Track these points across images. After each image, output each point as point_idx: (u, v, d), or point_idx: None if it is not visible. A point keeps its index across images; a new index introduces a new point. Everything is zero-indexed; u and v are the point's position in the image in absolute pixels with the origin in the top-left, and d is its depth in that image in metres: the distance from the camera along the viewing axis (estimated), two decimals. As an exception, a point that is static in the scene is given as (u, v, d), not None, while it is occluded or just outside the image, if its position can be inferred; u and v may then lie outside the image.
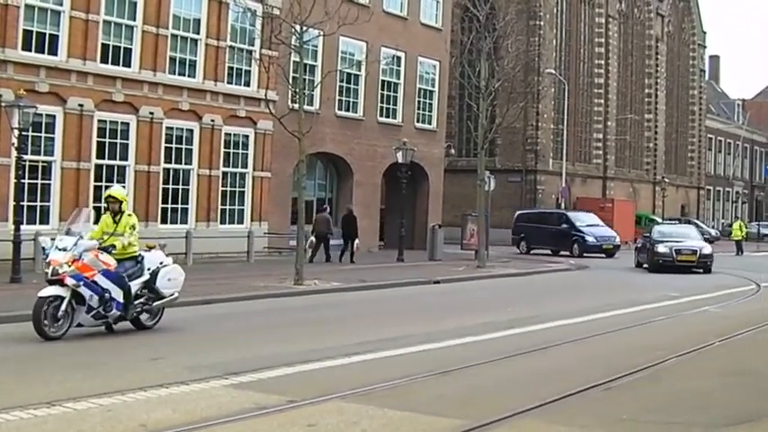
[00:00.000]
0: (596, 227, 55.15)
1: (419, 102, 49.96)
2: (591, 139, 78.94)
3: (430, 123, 50.80)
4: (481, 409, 11.16)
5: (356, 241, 39.11)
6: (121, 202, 17.94)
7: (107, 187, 32.46)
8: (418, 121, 49.85)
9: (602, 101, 79.01)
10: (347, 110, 45.07)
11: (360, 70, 44.11)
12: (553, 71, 68.64)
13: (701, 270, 39.18)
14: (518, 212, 59.28)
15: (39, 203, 31.54)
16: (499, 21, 48.96)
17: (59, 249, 16.35)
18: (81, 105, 32.32)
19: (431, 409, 11.10)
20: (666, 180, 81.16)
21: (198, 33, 36.60)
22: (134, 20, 34.17)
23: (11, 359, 14.71)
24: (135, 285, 17.33)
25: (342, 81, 44.25)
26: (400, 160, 40.94)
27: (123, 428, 9.94)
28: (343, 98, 44.88)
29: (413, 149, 41.54)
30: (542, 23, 69.69)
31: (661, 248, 39.63)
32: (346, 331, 18.39)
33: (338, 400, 11.53)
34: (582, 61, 77.93)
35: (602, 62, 78.91)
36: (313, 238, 38.01)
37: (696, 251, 39.71)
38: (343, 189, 46.56)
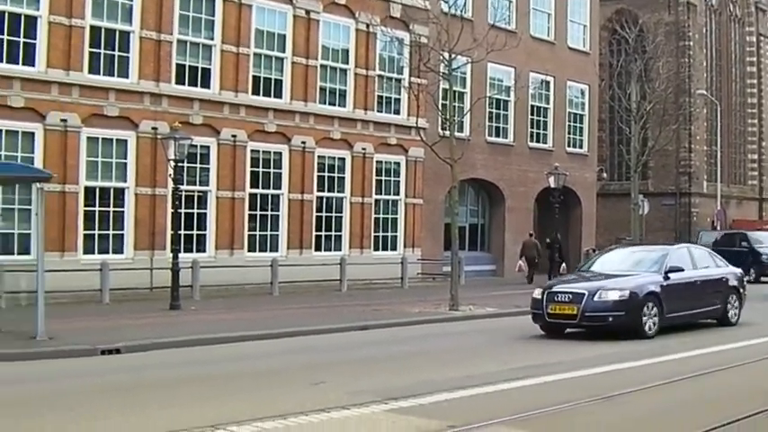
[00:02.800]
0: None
1: (569, 126, 48.92)
2: (746, 160, 76.50)
3: (581, 147, 49.69)
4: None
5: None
6: None
7: (262, 216, 33.17)
8: (569, 146, 48.81)
9: (756, 120, 76.51)
10: (497, 135, 44.36)
11: (509, 96, 43.40)
12: (705, 92, 66.73)
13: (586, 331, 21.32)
14: (701, 232, 55.25)
15: (195, 232, 31.79)
16: (648, 42, 47.90)
17: None
18: (234, 136, 32.50)
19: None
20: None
21: (347, 63, 36.48)
22: (284, 52, 34.27)
23: (174, 382, 14.80)
24: None
25: (491, 107, 43.60)
26: (553, 185, 40.11)
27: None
28: (493, 124, 44.18)
29: (565, 174, 40.66)
30: (692, 44, 67.77)
31: (536, 293, 21.78)
32: (503, 356, 17.81)
33: (498, 425, 11.09)
34: (734, 81, 75.64)
35: (755, 81, 76.52)
36: (521, 262, 41.35)
37: (581, 297, 20.62)
38: (495, 215, 45.79)
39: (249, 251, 33.21)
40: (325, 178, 36.03)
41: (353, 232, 36.88)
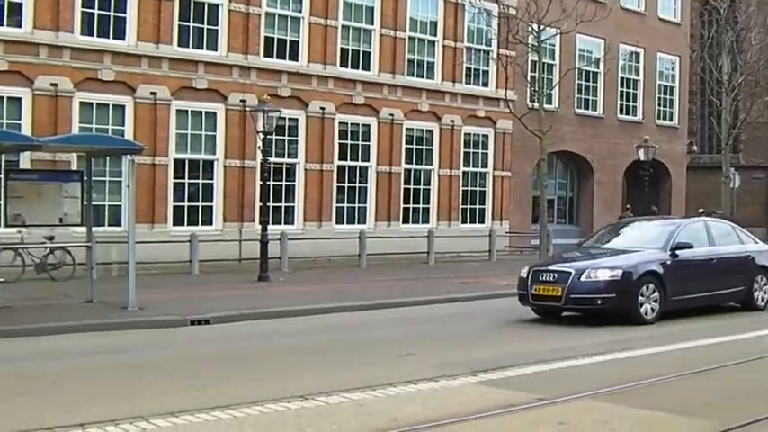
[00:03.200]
0: None
1: (659, 98, 48.00)
2: (840, 133, 74.60)
3: (671, 120, 48.77)
4: (734, 410, 10.21)
5: None
6: None
7: (350, 188, 33.05)
8: (659, 118, 47.92)
9: None
10: (586, 108, 43.68)
11: (598, 68, 42.68)
12: (798, 63, 65.14)
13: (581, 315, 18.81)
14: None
15: (284, 204, 31.80)
16: (741, 13, 46.76)
17: None
18: (323, 108, 32.38)
19: (682, 409, 10.26)
20: None
21: (435, 35, 36.12)
22: (372, 24, 34.00)
23: (263, 353, 14.78)
24: None
25: (580, 79, 42.90)
26: (642, 158, 39.31)
27: (375, 422, 9.61)
28: (582, 96, 43.50)
29: (655, 147, 39.82)
30: (786, 14, 66.18)
31: (523, 271, 19.18)
32: (593, 329, 17.37)
33: (588, 398, 10.86)
34: (828, 52, 73.71)
35: None
36: None
37: (567, 277, 18.10)
38: (583, 188, 45.20)
39: (337, 223, 33.13)
40: (413, 150, 35.78)
41: (441, 205, 36.60)
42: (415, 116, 35.47)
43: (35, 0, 26.57)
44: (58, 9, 26.88)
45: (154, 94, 28.58)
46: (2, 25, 26.35)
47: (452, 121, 36.59)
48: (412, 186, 35.81)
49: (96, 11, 27.69)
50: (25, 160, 25.30)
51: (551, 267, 18.77)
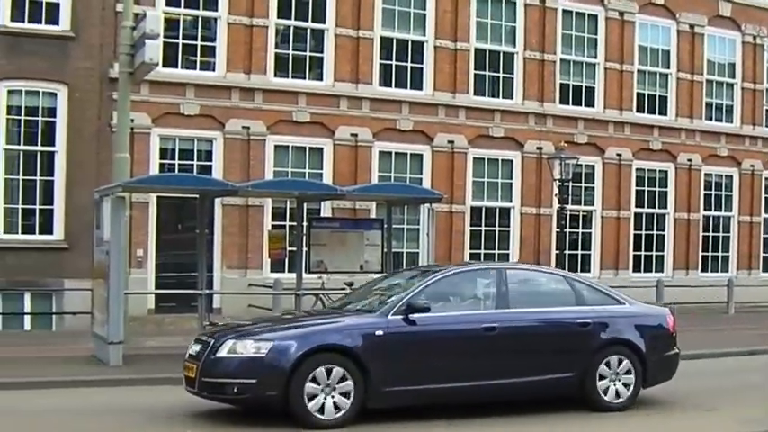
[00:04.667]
0: None
1: None
2: None
3: None
4: None
5: None
6: None
7: (647, 236, 31.34)
8: None
9: None
10: None
11: None
12: None
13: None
14: None
15: (580, 252, 30.57)
16: None
17: None
18: (619, 155, 30.94)
19: None
20: None
21: (733, 77, 33.90)
22: (668, 68, 32.27)
23: None
24: None
25: None
26: None
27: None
28: None
29: None
30: None
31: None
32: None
33: None
34: None
35: None
36: None
37: (203, 351, 12.04)
38: None
39: (634, 271, 31.42)
40: (712, 196, 33.61)
41: (741, 252, 34.19)
42: (713, 161, 33.30)
43: (336, 54, 26.65)
44: (357, 62, 26.87)
45: (451, 142, 28.06)
46: (304, 79, 26.54)
47: (752, 165, 34.17)
48: (711, 234, 33.60)
49: (394, 62, 27.59)
50: (326, 208, 25.39)
51: (203, 337, 12.54)
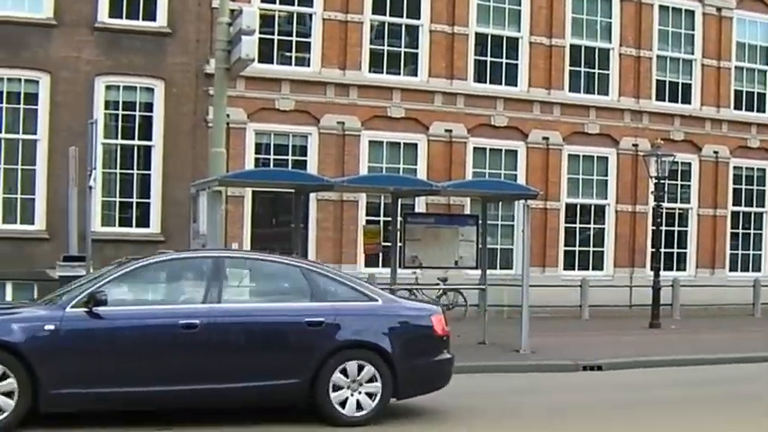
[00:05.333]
0: None
1: None
2: None
3: None
4: None
5: None
6: None
7: (744, 234, 30.40)
8: None
9: None
10: None
11: None
12: None
13: None
14: None
15: (675, 250, 29.78)
16: None
17: None
18: (716, 152, 30.06)
19: None
20: None
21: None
22: (766, 65, 31.28)
23: (656, 402, 13.66)
24: None
25: None
26: None
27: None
28: None
29: None
30: None
31: None
32: None
33: None
34: None
35: None
36: None
37: None
38: None
39: (730, 271, 30.50)
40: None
41: None
42: (814, 159, 32.21)
43: (430, 50, 26.32)
44: (451, 58, 26.52)
45: (546, 139, 27.55)
46: (398, 74, 26.25)
47: None
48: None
49: (488, 58, 27.16)
50: (420, 203, 25.04)
51: None
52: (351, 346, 11.09)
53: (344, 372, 10.96)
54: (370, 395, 11.02)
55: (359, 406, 10.97)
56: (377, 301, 11.52)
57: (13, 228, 22.53)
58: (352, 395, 10.97)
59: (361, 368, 11.01)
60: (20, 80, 22.76)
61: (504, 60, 27.32)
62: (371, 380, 11.04)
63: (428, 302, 13.72)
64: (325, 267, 12.50)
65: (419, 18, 26.29)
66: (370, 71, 25.79)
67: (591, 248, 28.54)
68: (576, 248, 28.29)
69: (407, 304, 12.28)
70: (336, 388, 10.91)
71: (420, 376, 11.41)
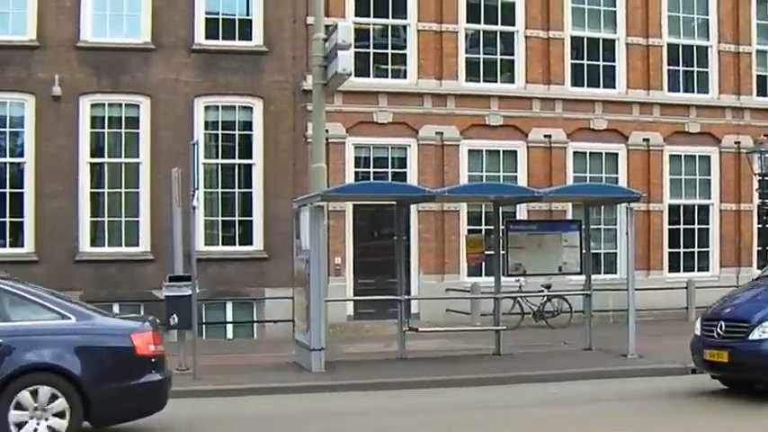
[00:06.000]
0: None
1: None
2: None
3: None
4: None
5: None
6: None
7: None
8: None
9: None
10: None
11: None
12: None
13: None
14: None
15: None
16: None
17: None
18: (819, 147, 28.94)
19: None
20: None
21: None
22: None
23: None
24: None
25: None
26: None
27: None
28: None
29: None
30: None
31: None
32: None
33: None
34: None
35: None
36: None
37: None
38: None
39: (837, 266, 29.41)
40: None
41: None
42: None
43: (526, 56, 25.92)
44: (548, 63, 26.07)
45: (646, 140, 26.86)
46: (495, 82, 25.94)
47: None
48: None
49: (585, 62, 26.63)
50: (521, 210, 24.66)
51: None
52: (33, 370, 10.12)
53: (27, 398, 9.99)
54: (59, 423, 10.05)
55: None
56: (70, 319, 10.49)
57: (118, 250, 22.77)
58: (38, 424, 9.99)
59: (46, 395, 10.05)
60: (121, 105, 23.03)
61: (601, 63, 26.76)
62: (60, 407, 10.07)
63: (140, 319, 11.79)
64: (14, 284, 10.93)
65: (514, 24, 25.91)
66: (466, 80, 25.49)
67: (695, 249, 27.80)
68: (681, 250, 27.56)
69: (105, 322, 10.90)
70: (17, 417, 9.95)
71: (120, 401, 10.38)
